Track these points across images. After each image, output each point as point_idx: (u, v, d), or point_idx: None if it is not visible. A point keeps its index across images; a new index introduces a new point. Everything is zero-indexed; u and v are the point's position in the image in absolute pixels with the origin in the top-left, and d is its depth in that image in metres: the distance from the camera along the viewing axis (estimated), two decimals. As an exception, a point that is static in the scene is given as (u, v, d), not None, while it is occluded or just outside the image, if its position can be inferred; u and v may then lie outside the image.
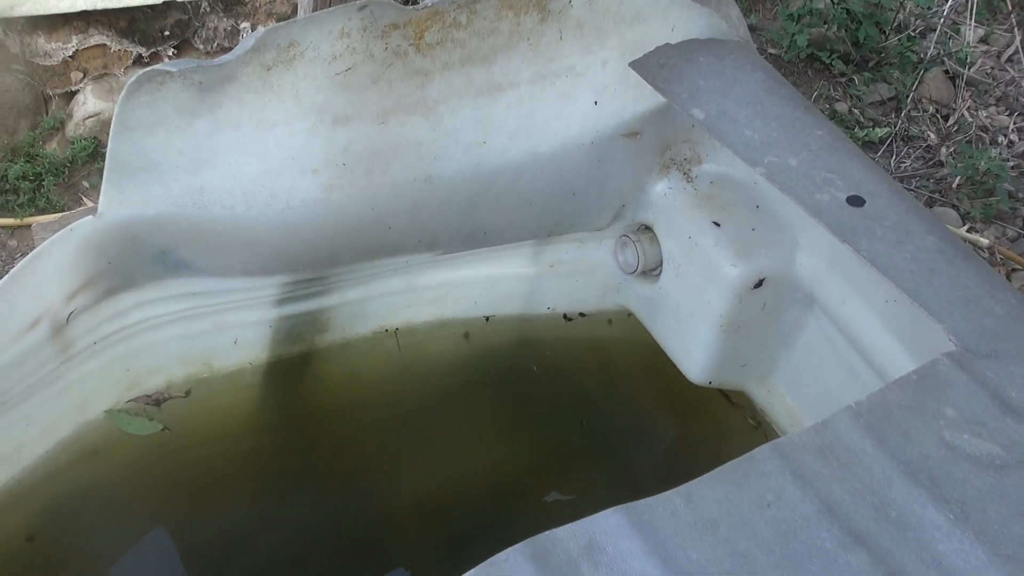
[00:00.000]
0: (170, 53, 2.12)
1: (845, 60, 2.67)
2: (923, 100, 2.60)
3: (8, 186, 1.93)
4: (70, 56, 2.07)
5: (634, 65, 1.35)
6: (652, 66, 1.30)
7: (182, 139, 1.14)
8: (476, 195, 1.49)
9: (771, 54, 2.69)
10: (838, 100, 2.61)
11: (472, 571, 0.73)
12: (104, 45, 2.09)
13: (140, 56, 2.08)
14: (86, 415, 1.48)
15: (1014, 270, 2.13)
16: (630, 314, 1.81)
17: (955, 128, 2.55)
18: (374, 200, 1.41)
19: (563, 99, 1.40)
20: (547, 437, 1.73)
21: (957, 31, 2.74)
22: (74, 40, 2.04)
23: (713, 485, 0.81)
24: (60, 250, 1.17)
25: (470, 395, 1.75)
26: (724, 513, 0.78)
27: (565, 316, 1.83)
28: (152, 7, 2.02)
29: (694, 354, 1.59)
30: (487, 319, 1.79)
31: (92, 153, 2.11)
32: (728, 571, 0.72)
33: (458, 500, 1.61)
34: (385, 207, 1.43)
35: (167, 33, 2.11)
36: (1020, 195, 2.29)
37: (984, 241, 2.19)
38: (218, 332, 1.57)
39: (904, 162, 2.47)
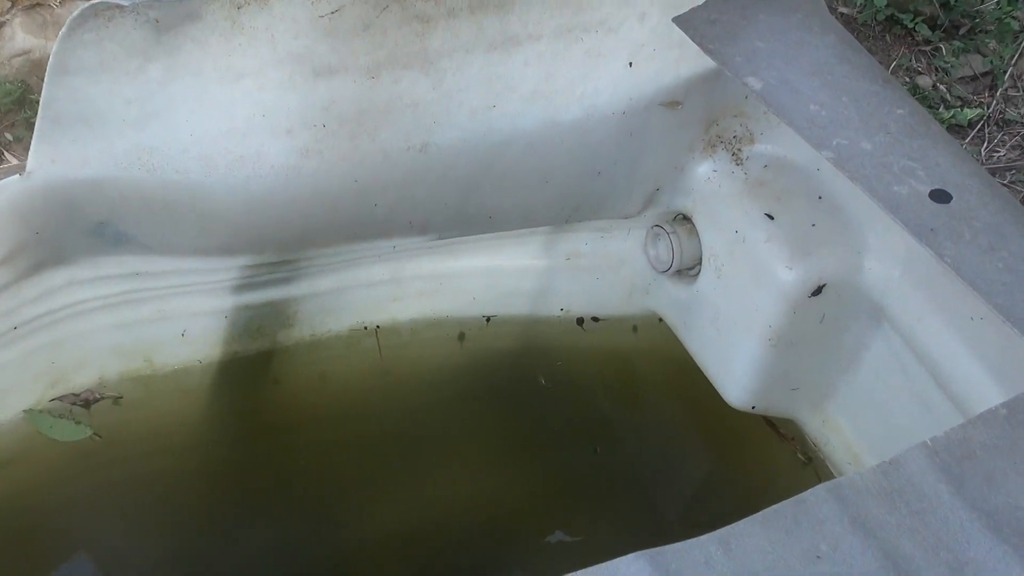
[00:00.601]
0: (117, -18, 2.12)
1: (931, 25, 2.66)
2: (1024, 77, 2.60)
3: (-86, 136, 2.03)
4: (-5, -19, 2.09)
5: (679, 21, 1.34)
6: (701, 22, 1.29)
7: (131, 87, 1.14)
8: (481, 170, 1.49)
9: (842, 14, 2.68)
10: (921, 73, 2.60)
11: None
12: (37, -32, 2.10)
13: (81, -16, 2.06)
14: (0, 415, 1.48)
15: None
16: (660, 320, 1.81)
17: (1062, 112, 2.55)
18: (358, 171, 1.41)
19: (592, 58, 1.40)
20: (554, 464, 1.73)
21: (1069, -6, 2.73)
22: (0, -40, 2.06)
23: (755, 531, 0.82)
24: (-25, 216, 1.14)
25: (463, 410, 1.75)
26: (768, 565, 0.80)
27: (581, 320, 1.83)
28: (97, -74, 2.04)
29: (736, 372, 1.59)
30: (487, 320, 1.80)
31: (19, 99, 2.10)
32: (771, 635, 0.73)
33: (444, 537, 1.61)
34: (371, 180, 1.43)
35: (115, -42, 2.09)
36: None
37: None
38: (163, 321, 1.57)
39: (998, 151, 2.46)
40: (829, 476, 1.62)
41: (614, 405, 1.83)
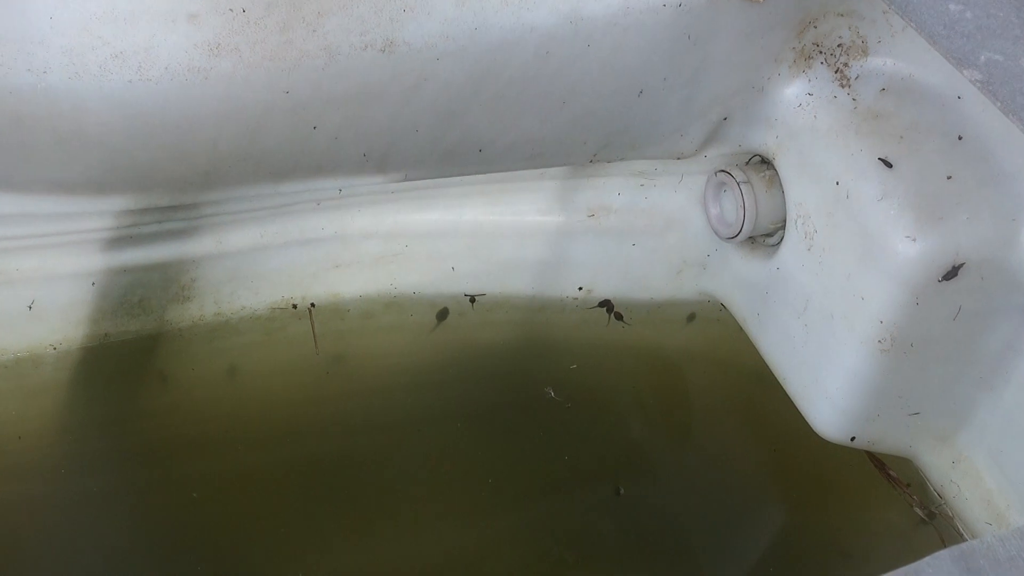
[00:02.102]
0: None
1: None
2: None
3: None
4: None
5: None
6: None
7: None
8: (470, 82, 1.49)
9: None
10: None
11: None
12: None
13: None
14: None
15: None
16: (721, 309, 1.82)
17: None
18: (291, 78, 1.40)
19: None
20: (561, 512, 1.74)
21: None
22: None
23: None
24: None
25: (435, 432, 1.76)
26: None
27: (608, 306, 1.84)
28: None
29: (829, 388, 1.58)
30: (472, 300, 1.81)
31: None
32: None
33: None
34: (309, 91, 1.42)
35: None
36: None
37: None
38: (2, 288, 1.59)
39: None
40: (958, 539, 1.62)
41: (649, 429, 1.83)
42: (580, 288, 1.83)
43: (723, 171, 1.70)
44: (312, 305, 1.77)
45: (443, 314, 1.82)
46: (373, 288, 1.78)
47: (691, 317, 1.87)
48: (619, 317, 1.86)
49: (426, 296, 1.80)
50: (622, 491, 1.75)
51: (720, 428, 1.85)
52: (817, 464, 1.73)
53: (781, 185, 1.64)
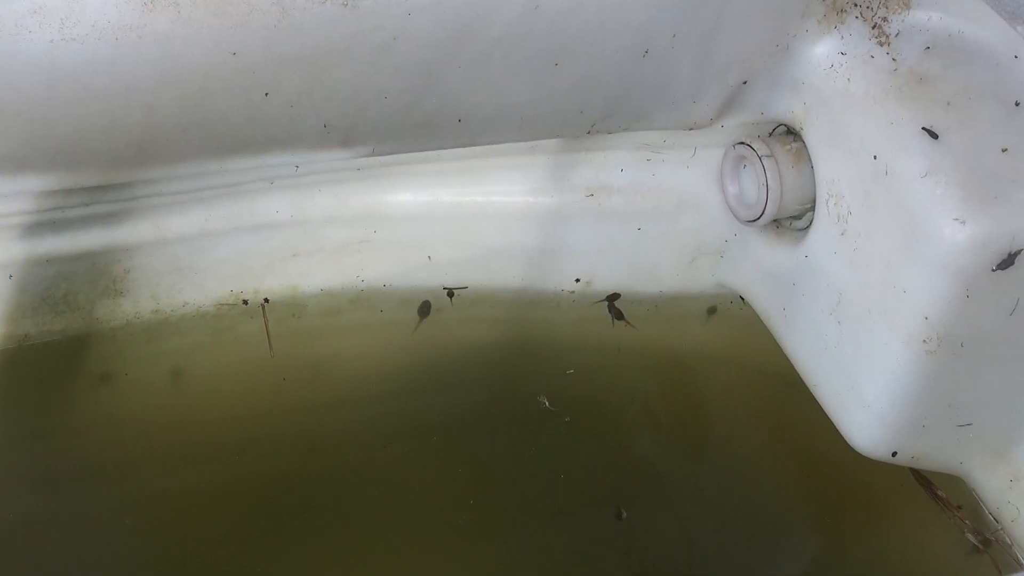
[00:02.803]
0: None
1: None
2: None
3: None
4: None
5: None
6: None
7: None
8: (447, 41, 1.49)
9: None
10: None
11: None
12: None
13: None
14: None
15: None
16: (742, 303, 1.83)
17: None
18: (238, 36, 1.40)
19: None
20: (556, 538, 1.74)
21: None
22: None
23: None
24: None
25: (410, 445, 1.77)
26: None
27: (611, 300, 1.85)
28: None
29: (866, 395, 1.58)
30: (451, 294, 1.82)
31: None
32: None
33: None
34: (259, 52, 1.42)
35: None
36: None
37: None
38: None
39: None
40: (1016, 568, 1.63)
41: (658, 443, 1.84)
42: (577, 280, 1.83)
43: (743, 143, 1.70)
44: (265, 301, 1.77)
45: (420, 310, 1.82)
46: (337, 281, 1.79)
47: (707, 313, 1.87)
48: (620, 316, 1.87)
49: (398, 290, 1.81)
50: (624, 515, 1.75)
51: (740, 442, 1.85)
52: (853, 483, 1.73)
53: (810, 159, 1.64)
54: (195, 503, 1.69)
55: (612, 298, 1.86)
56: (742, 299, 1.83)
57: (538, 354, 1.86)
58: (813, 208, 1.65)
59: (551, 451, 1.81)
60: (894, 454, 1.62)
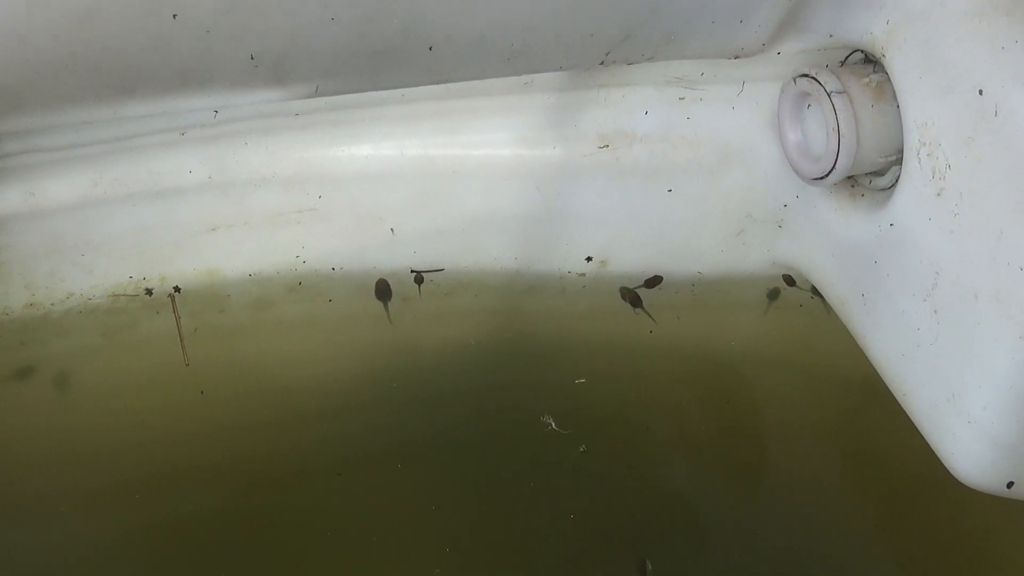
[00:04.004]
0: None
1: None
2: None
3: None
4: None
5: None
6: None
7: None
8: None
9: None
10: None
11: None
12: None
13: None
14: None
15: None
16: (808, 290, 1.82)
17: None
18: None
19: None
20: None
21: None
22: None
23: None
24: None
25: (368, 476, 1.76)
26: None
27: (629, 294, 1.84)
28: None
29: (972, 408, 1.57)
30: (420, 279, 1.81)
31: None
32: None
33: None
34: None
35: None
36: None
37: None
38: None
39: None
40: None
41: (696, 476, 1.82)
42: (589, 259, 1.82)
43: (806, 76, 1.67)
44: (176, 290, 1.76)
45: (377, 293, 1.81)
46: (270, 262, 1.78)
47: (761, 302, 1.86)
48: (636, 302, 1.84)
49: (352, 274, 1.80)
50: (650, 568, 1.73)
51: (804, 473, 1.83)
52: (955, 524, 1.71)
53: (894, 96, 1.62)
54: (83, 557, 1.69)
55: (651, 283, 1.86)
56: (809, 285, 1.83)
57: (539, 358, 1.85)
58: (899, 161, 1.63)
59: (557, 487, 1.80)
60: (1010, 485, 1.59)
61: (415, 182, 1.78)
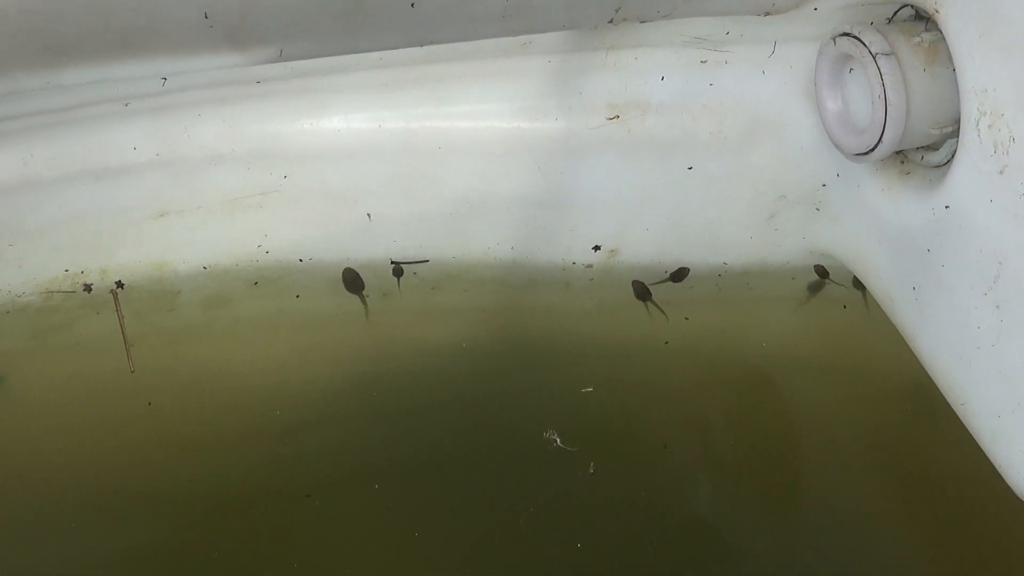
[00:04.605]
0: None
1: None
2: None
3: None
4: None
5: None
6: None
7: None
8: None
9: None
10: None
11: None
12: None
13: None
14: None
15: None
16: (850, 283, 1.80)
17: None
18: None
19: None
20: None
21: None
22: None
23: None
24: None
25: (346, 500, 1.74)
26: None
27: (642, 291, 1.83)
28: None
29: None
30: (399, 272, 1.81)
31: None
32: None
33: None
34: None
35: None
36: None
37: None
38: None
39: None
40: None
41: (722, 500, 1.80)
42: (597, 247, 1.81)
43: (847, 35, 1.65)
44: (118, 285, 1.75)
45: (348, 285, 1.82)
46: (227, 252, 1.78)
47: (797, 296, 1.85)
48: (644, 294, 1.84)
49: (322, 265, 1.80)
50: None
51: (847, 493, 1.81)
52: (1022, 550, 1.70)
53: (950, 58, 1.60)
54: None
55: (677, 277, 1.86)
56: (852, 278, 1.82)
57: (540, 364, 1.83)
58: (956, 133, 1.61)
59: (562, 512, 1.79)
60: (1089, 510, 1.57)
61: (394, 160, 1.78)
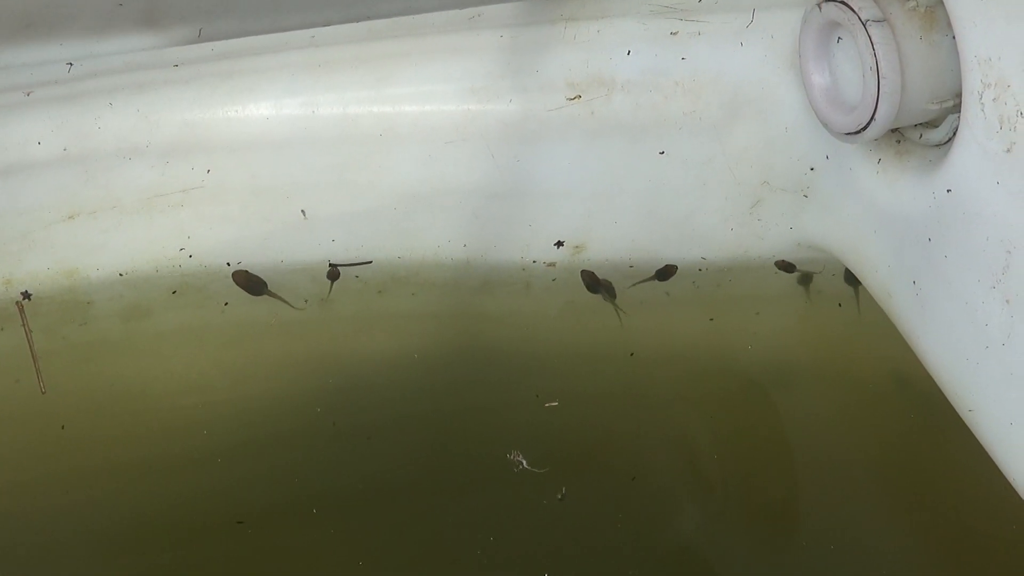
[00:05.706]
0: None
1: None
2: None
3: None
4: None
5: None
6: None
7: None
8: None
9: None
10: None
11: None
12: None
13: None
14: None
15: None
16: (841, 275, 1.76)
17: None
18: None
19: None
20: None
21: None
22: None
23: None
24: None
25: (287, 533, 1.69)
26: None
27: (591, 281, 1.77)
28: None
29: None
30: (335, 275, 1.76)
31: None
32: None
33: None
34: None
35: None
36: None
37: None
38: None
39: None
40: None
41: (707, 525, 1.75)
42: (559, 244, 1.77)
43: (835, 0, 1.59)
44: (25, 296, 1.70)
45: (253, 292, 1.75)
46: (146, 257, 1.72)
47: (785, 292, 1.80)
48: (605, 293, 1.79)
49: (253, 269, 1.74)
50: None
51: (844, 512, 1.76)
52: None
53: (950, 26, 1.55)
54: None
55: (664, 275, 1.82)
56: (843, 269, 1.78)
57: (500, 375, 1.80)
58: (957, 108, 1.56)
59: (528, 541, 1.74)
60: (1110, 528, 1.55)
61: (331, 150, 1.73)
